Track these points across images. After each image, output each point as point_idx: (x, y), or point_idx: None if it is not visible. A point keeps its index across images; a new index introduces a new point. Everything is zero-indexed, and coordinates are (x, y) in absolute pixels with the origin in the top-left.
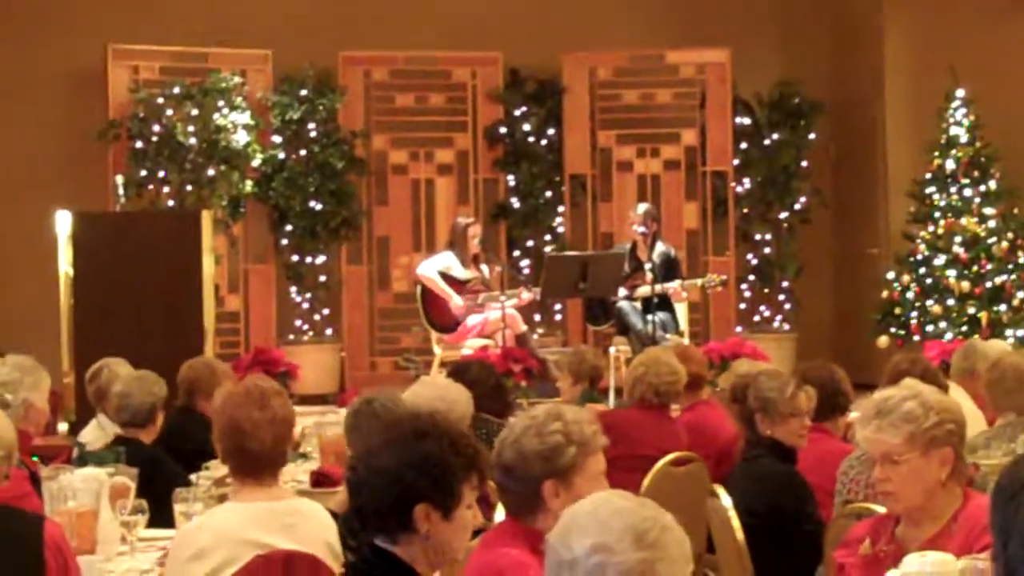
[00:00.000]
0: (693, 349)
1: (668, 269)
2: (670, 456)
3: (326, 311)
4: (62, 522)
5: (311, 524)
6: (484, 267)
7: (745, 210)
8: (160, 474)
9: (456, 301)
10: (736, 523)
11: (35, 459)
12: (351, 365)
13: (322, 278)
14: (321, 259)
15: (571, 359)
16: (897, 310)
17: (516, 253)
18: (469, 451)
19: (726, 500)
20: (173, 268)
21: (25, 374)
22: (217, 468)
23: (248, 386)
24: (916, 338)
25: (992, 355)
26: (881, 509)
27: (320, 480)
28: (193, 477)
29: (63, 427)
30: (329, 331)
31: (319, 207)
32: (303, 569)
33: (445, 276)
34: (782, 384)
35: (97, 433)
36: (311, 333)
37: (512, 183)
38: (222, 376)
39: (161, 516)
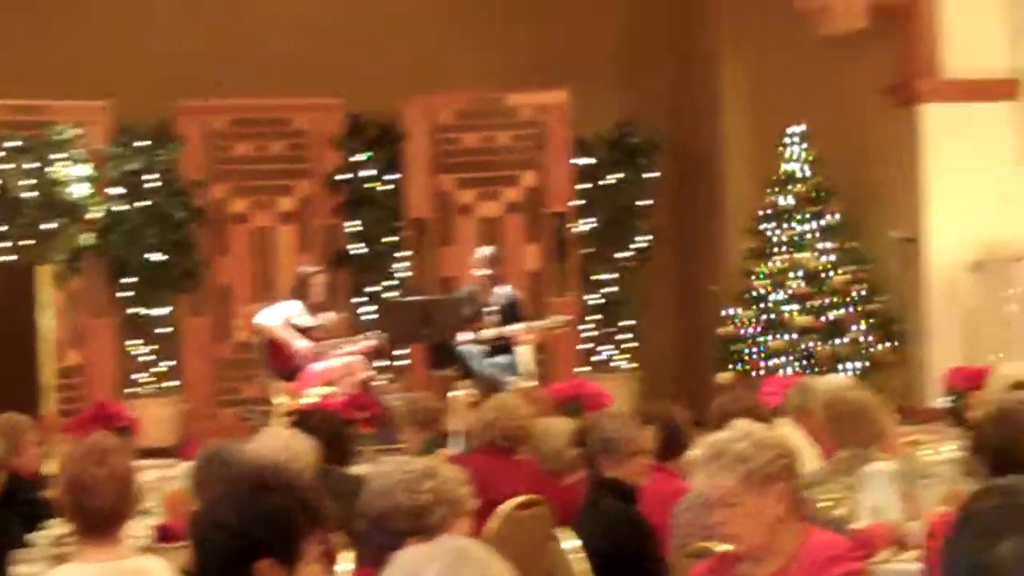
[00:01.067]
0: (538, 392)
1: (511, 312)
2: (516, 500)
3: (168, 363)
4: None
5: None
6: (329, 314)
7: (588, 250)
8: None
9: (299, 343)
10: (584, 565)
11: None
12: (193, 417)
13: (163, 330)
14: (162, 311)
15: (408, 407)
16: (738, 346)
17: (359, 299)
18: (314, 505)
19: (572, 542)
20: (10, 323)
21: None
22: (56, 527)
23: (88, 443)
24: (758, 373)
25: (826, 391)
26: (719, 547)
27: (165, 535)
28: (32, 536)
29: None
30: (171, 383)
31: (160, 258)
32: None
33: (289, 324)
34: (622, 424)
35: None
36: (153, 386)
37: (354, 229)
38: (25, 430)
39: None
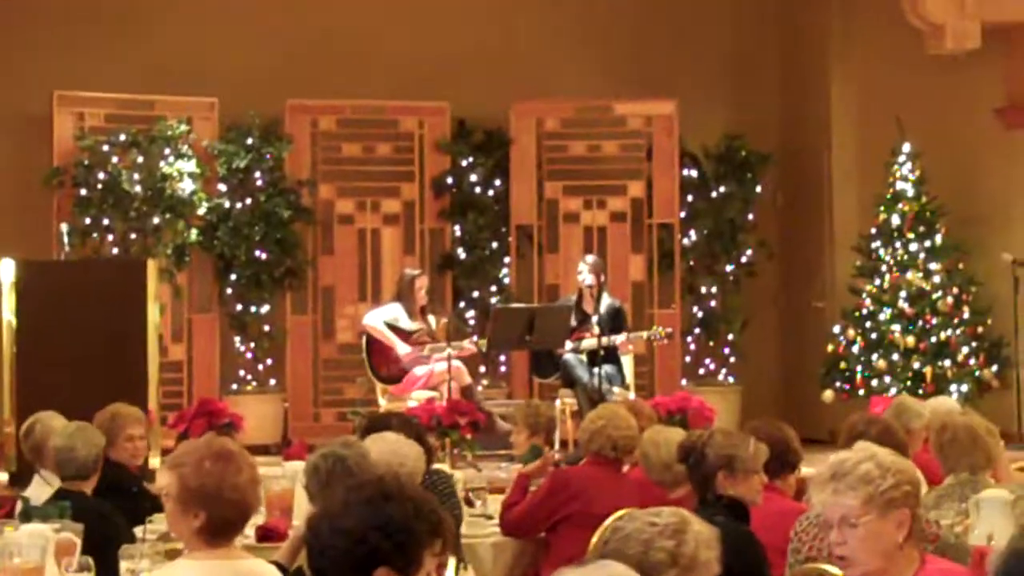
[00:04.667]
0: (641, 403)
1: (614, 321)
2: (621, 512)
3: (270, 361)
4: None
5: None
6: (431, 318)
7: (691, 263)
8: (104, 528)
9: (402, 348)
10: None
11: None
12: (295, 415)
13: (266, 328)
14: (266, 308)
15: (526, 412)
16: (843, 364)
17: (462, 304)
18: (433, 517)
19: None
20: (117, 317)
21: None
22: (161, 522)
23: (215, 447)
24: (861, 392)
25: (928, 413)
26: (835, 571)
27: (266, 535)
28: (138, 531)
29: (3, 477)
30: (273, 381)
31: (264, 256)
32: None
33: (392, 327)
34: (743, 440)
35: (41, 489)
36: (255, 383)
37: (458, 233)
38: (125, 422)
39: (104, 570)
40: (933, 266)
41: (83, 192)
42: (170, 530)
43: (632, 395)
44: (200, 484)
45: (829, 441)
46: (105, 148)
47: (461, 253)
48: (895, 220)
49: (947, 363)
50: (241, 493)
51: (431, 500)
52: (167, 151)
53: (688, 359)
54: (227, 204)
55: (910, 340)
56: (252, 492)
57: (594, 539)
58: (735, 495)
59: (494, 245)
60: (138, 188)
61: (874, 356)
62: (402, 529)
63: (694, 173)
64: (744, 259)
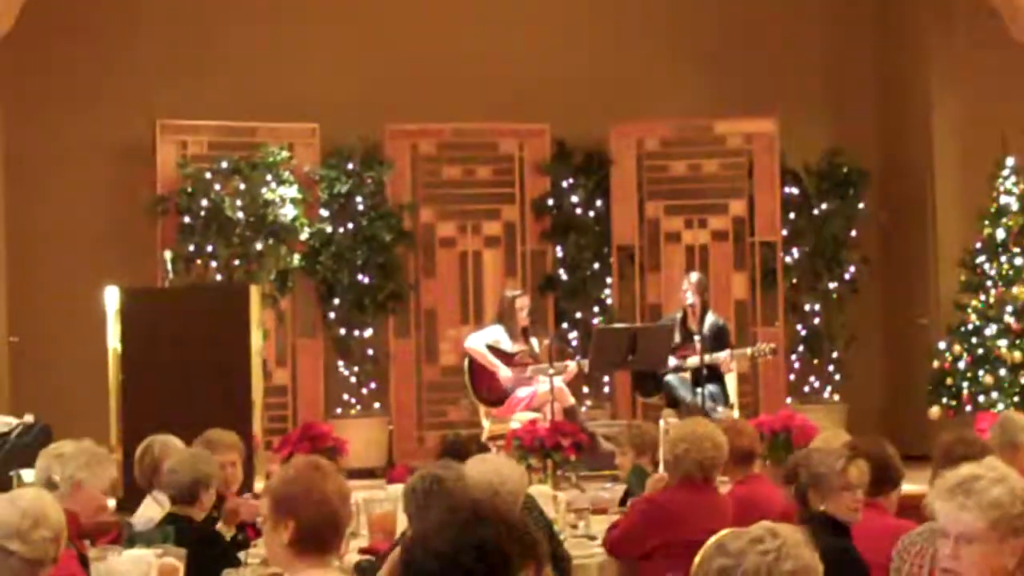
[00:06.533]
0: (743, 423)
1: (718, 339)
2: (722, 533)
3: (373, 384)
4: None
5: None
6: (533, 340)
7: (794, 280)
8: (208, 553)
9: (504, 372)
10: None
11: (84, 540)
12: (399, 438)
13: (370, 351)
14: (369, 332)
15: (630, 433)
16: (948, 380)
17: (564, 325)
18: (527, 539)
19: None
20: (221, 343)
21: (81, 454)
22: (263, 546)
23: (306, 461)
24: (968, 408)
25: None
26: None
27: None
28: (242, 555)
29: (110, 503)
30: (377, 404)
31: (367, 280)
32: None
33: (494, 349)
34: (832, 458)
35: (152, 510)
36: (359, 407)
37: (560, 255)
38: (217, 449)
39: None
40: None
41: (186, 219)
42: (268, 557)
43: (736, 414)
44: (286, 491)
45: None
46: (208, 175)
47: (563, 274)
48: (1000, 234)
49: None
50: (327, 498)
51: (526, 522)
52: (269, 177)
53: (792, 377)
54: (329, 229)
55: (1017, 355)
56: (340, 502)
57: (697, 560)
58: (828, 511)
59: (596, 266)
60: (240, 214)
61: (980, 372)
62: (495, 551)
63: (795, 191)
64: (847, 276)
